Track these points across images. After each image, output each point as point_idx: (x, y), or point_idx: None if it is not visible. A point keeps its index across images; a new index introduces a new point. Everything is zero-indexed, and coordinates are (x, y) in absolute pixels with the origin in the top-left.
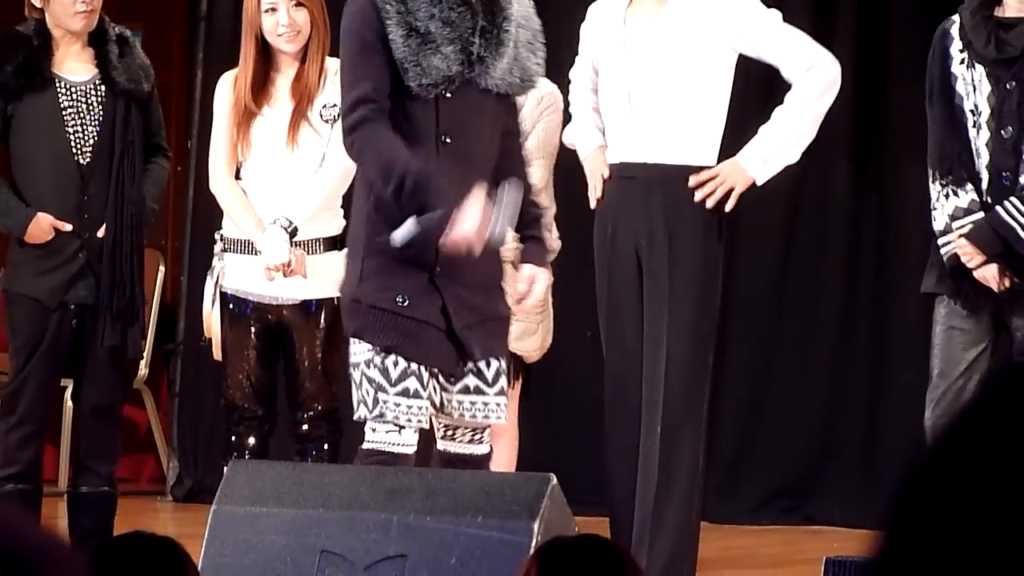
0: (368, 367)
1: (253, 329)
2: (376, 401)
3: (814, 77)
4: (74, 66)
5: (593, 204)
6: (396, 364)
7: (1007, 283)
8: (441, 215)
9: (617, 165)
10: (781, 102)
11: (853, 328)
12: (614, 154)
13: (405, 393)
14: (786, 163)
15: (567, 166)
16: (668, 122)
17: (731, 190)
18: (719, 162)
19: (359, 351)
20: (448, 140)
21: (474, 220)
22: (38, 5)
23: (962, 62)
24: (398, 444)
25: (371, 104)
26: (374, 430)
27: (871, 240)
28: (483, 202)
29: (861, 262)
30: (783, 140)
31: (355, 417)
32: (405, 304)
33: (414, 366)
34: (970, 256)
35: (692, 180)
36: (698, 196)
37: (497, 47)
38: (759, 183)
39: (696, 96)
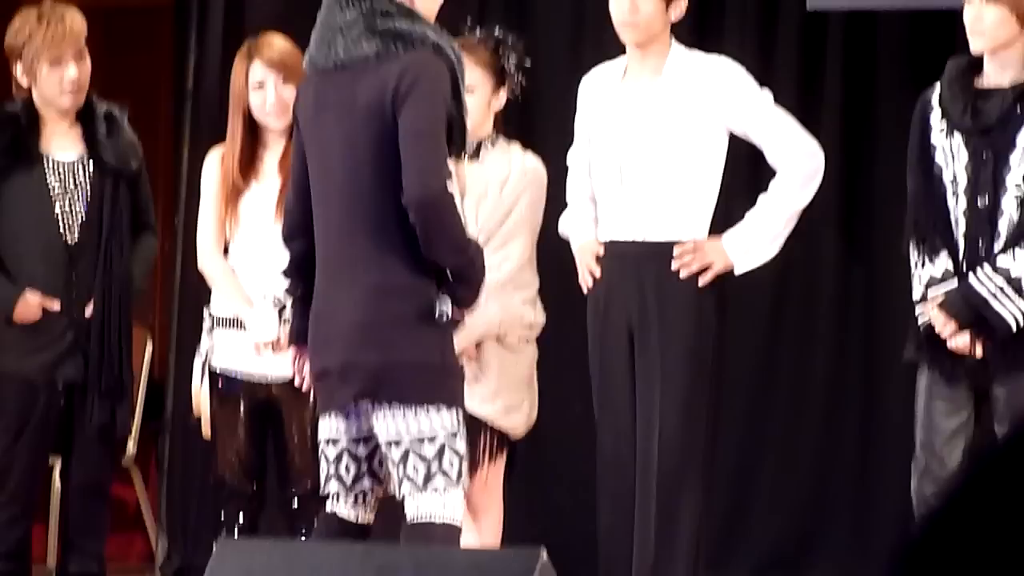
0: (455, 439)
1: (242, 406)
2: (460, 473)
3: (799, 168)
4: (62, 144)
5: (585, 291)
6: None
7: (979, 352)
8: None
9: (608, 243)
10: (768, 180)
11: (842, 398)
12: (606, 232)
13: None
14: (765, 259)
15: (557, 241)
16: (660, 198)
17: (708, 266)
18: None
19: (446, 422)
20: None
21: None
22: (25, 84)
23: (941, 131)
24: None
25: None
26: (451, 502)
27: (859, 310)
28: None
29: (849, 333)
30: (765, 233)
31: (425, 489)
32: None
33: None
34: (943, 325)
35: (676, 250)
36: (674, 265)
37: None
38: (736, 272)
39: (688, 172)
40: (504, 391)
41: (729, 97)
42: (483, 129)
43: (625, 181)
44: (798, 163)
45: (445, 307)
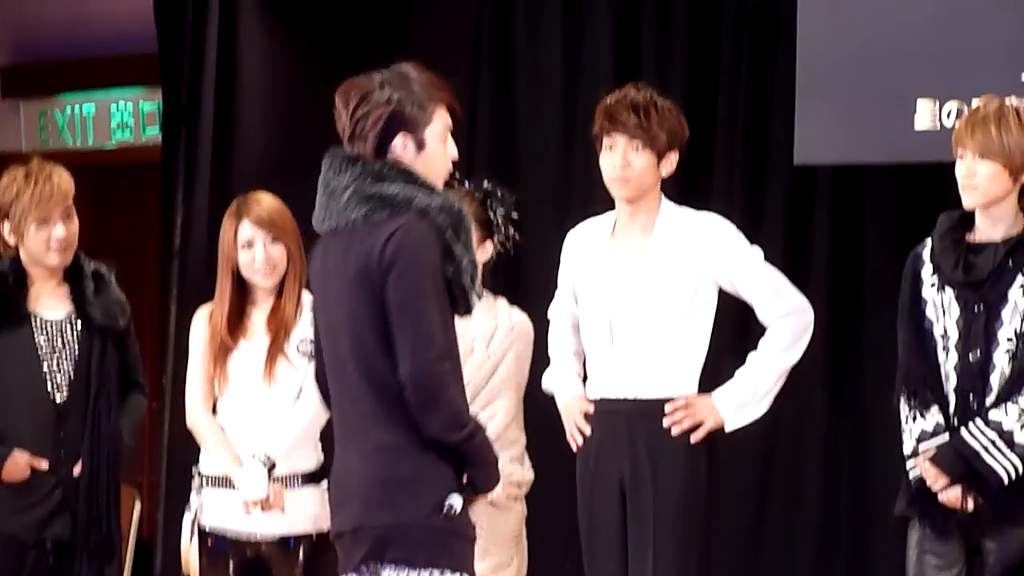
0: None
1: (231, 564)
2: None
3: (789, 326)
4: (49, 303)
5: (574, 448)
6: None
7: (971, 506)
8: (471, 493)
9: (599, 400)
10: (757, 334)
11: (832, 554)
12: (595, 389)
13: None
14: (756, 416)
15: (543, 396)
16: (651, 356)
17: (700, 424)
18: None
19: None
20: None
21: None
22: (12, 242)
23: (932, 285)
24: None
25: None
26: None
27: (848, 465)
28: None
29: (838, 488)
30: (756, 391)
31: None
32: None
33: None
34: (934, 479)
35: (668, 407)
36: (666, 422)
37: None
38: (727, 429)
39: (679, 330)
40: (493, 549)
41: (719, 254)
42: None
43: (616, 339)
44: (788, 320)
45: (454, 502)
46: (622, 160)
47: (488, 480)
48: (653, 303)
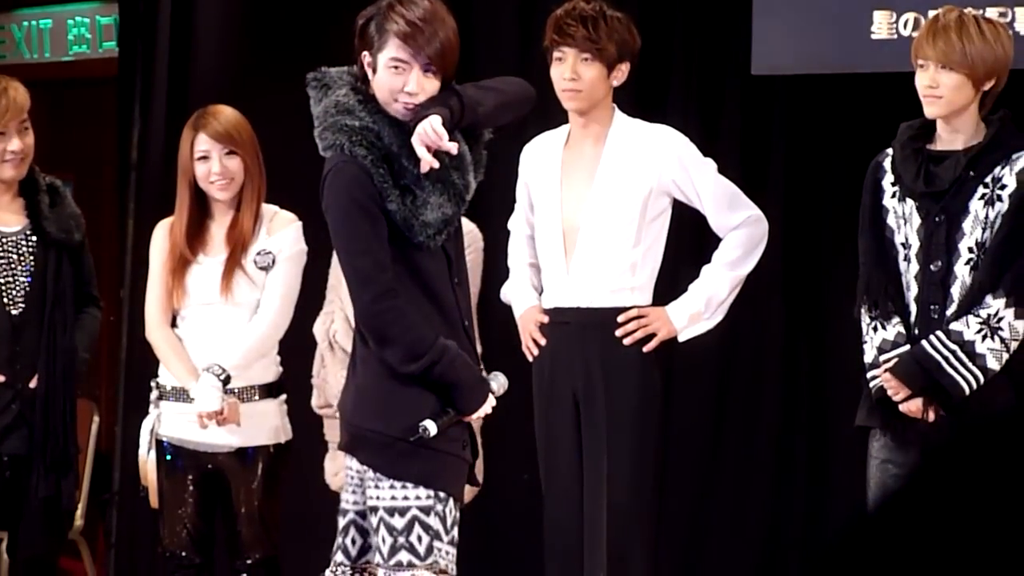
0: (427, 514)
1: (190, 477)
2: (430, 549)
3: (742, 237)
4: (4, 216)
5: (529, 358)
6: (452, 512)
7: (932, 415)
8: (453, 416)
9: (552, 310)
10: (713, 246)
11: (791, 463)
12: (550, 298)
13: (453, 542)
14: (710, 327)
15: (501, 307)
16: (602, 265)
17: (653, 335)
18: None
19: (418, 495)
20: (457, 280)
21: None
22: None
23: (893, 195)
24: None
25: (389, 274)
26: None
27: (806, 375)
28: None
29: (797, 398)
30: (709, 301)
31: (389, 562)
32: (466, 450)
33: (459, 513)
34: (895, 390)
35: (620, 317)
36: (618, 333)
37: (479, 168)
38: (680, 339)
39: (630, 240)
40: None
41: (671, 166)
42: None
43: (569, 249)
44: (741, 231)
45: (428, 426)
46: (571, 72)
47: (468, 401)
48: (605, 213)
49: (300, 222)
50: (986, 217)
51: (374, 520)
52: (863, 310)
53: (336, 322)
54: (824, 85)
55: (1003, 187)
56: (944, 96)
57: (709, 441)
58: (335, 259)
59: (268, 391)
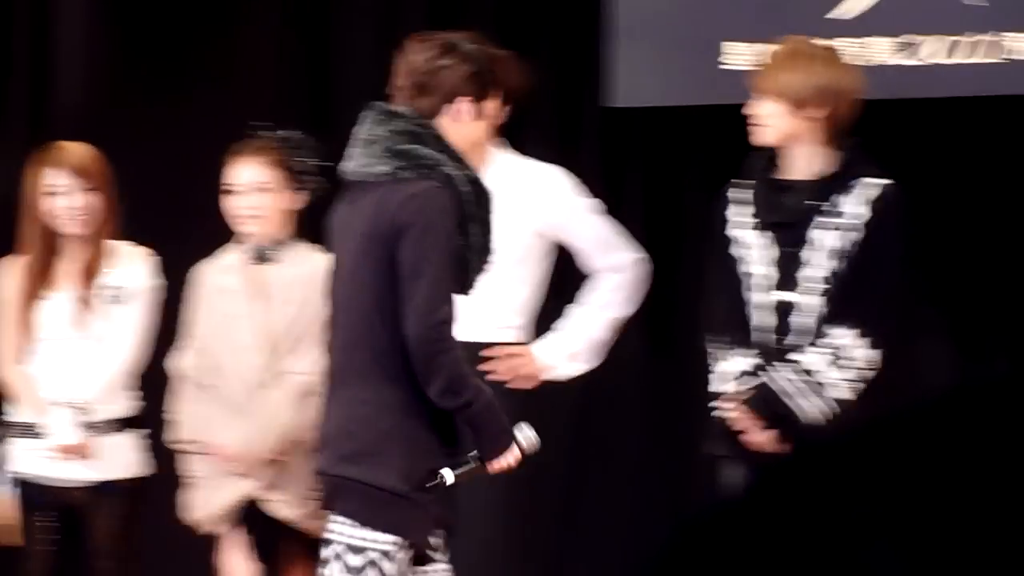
0: (387, 559)
1: (48, 512)
2: None
3: (621, 280)
4: None
5: None
6: (407, 556)
7: (777, 446)
8: (473, 465)
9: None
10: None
11: (653, 494)
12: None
13: None
14: (581, 370)
15: None
16: (476, 299)
17: (518, 375)
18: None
19: (380, 540)
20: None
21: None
22: None
23: (739, 225)
24: None
25: (452, 308)
26: None
27: (667, 406)
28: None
29: (658, 428)
30: (580, 343)
31: None
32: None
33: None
34: (748, 423)
35: (497, 352)
36: (491, 365)
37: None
38: (559, 376)
39: (505, 277)
40: (313, 496)
41: (546, 204)
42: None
43: None
44: (623, 277)
45: (446, 474)
46: None
47: (492, 449)
48: None
49: (156, 257)
50: (842, 247)
51: (327, 551)
52: (708, 339)
53: (190, 357)
54: (680, 116)
55: (850, 216)
56: (761, 124)
57: (570, 477)
58: (188, 294)
59: (126, 424)
